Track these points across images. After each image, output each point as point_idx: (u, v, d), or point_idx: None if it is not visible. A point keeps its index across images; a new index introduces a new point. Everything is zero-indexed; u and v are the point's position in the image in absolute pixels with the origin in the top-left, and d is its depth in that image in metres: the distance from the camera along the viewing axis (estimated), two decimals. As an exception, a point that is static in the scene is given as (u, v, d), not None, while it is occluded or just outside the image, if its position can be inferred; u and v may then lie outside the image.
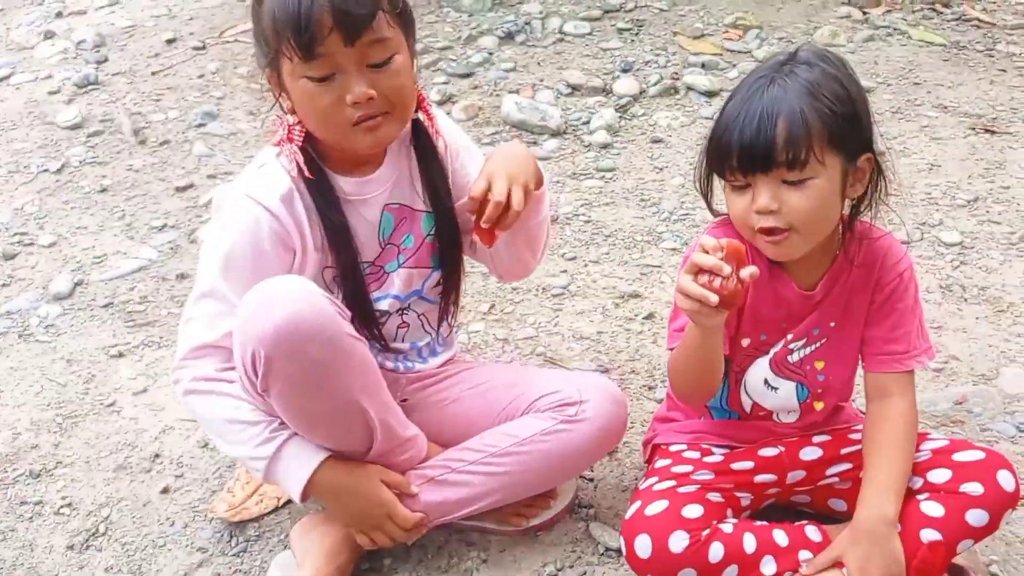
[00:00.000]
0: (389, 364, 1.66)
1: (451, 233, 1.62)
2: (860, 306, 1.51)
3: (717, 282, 1.27)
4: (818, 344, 1.53)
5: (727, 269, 1.27)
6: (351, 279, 1.54)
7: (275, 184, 1.48)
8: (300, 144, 1.47)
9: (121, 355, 2.17)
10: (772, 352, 1.54)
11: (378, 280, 1.59)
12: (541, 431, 1.55)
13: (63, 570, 1.66)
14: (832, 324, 1.52)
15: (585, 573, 1.60)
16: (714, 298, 1.26)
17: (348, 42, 1.35)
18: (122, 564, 1.66)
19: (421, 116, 1.55)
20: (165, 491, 1.80)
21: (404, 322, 1.64)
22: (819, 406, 1.58)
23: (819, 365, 1.54)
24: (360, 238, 1.54)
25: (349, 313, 1.44)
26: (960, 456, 1.48)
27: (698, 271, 1.29)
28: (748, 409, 1.59)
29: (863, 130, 1.40)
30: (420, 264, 1.61)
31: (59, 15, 3.90)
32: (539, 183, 1.53)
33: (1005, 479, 1.44)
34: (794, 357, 1.54)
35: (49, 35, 3.71)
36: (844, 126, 1.36)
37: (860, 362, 1.56)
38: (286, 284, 1.38)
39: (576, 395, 1.56)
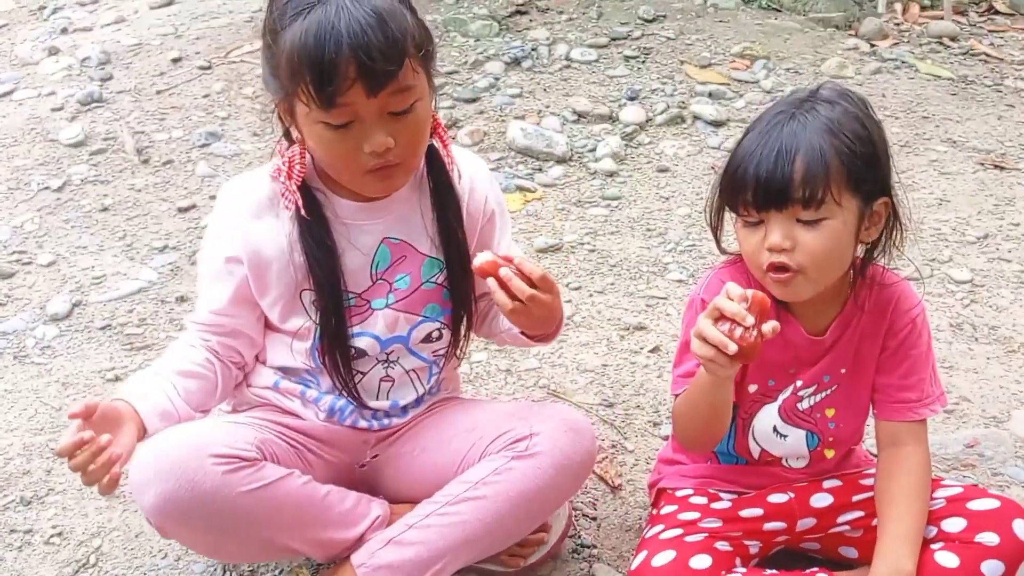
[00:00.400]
0: (363, 423, 1.56)
1: (463, 281, 1.52)
2: (871, 352, 1.48)
3: (738, 331, 1.24)
4: (829, 391, 1.50)
5: (750, 319, 1.24)
6: (329, 307, 1.46)
7: (247, 203, 1.47)
8: (299, 183, 1.42)
9: (118, 379, 2.13)
10: (780, 399, 1.51)
11: (361, 315, 1.50)
12: (492, 471, 1.45)
13: (51, 603, 1.62)
14: (843, 371, 1.49)
15: (587, 617, 1.57)
16: (733, 347, 1.23)
17: (371, 94, 1.29)
18: (112, 597, 1.62)
19: (435, 142, 1.48)
20: (158, 522, 1.76)
21: (388, 376, 1.54)
22: (830, 454, 1.55)
23: (830, 413, 1.51)
24: (349, 266, 1.47)
25: (259, 454, 1.40)
26: (975, 505, 1.45)
27: (719, 317, 1.26)
28: (756, 455, 1.56)
29: (881, 172, 1.38)
30: (409, 309, 1.51)
31: (64, 31, 3.88)
32: (541, 340, 1.52)
33: (1021, 529, 1.41)
34: (804, 404, 1.51)
35: (54, 51, 3.70)
36: (863, 167, 1.34)
37: (871, 408, 1.53)
38: (173, 449, 1.35)
39: (527, 429, 1.46)
